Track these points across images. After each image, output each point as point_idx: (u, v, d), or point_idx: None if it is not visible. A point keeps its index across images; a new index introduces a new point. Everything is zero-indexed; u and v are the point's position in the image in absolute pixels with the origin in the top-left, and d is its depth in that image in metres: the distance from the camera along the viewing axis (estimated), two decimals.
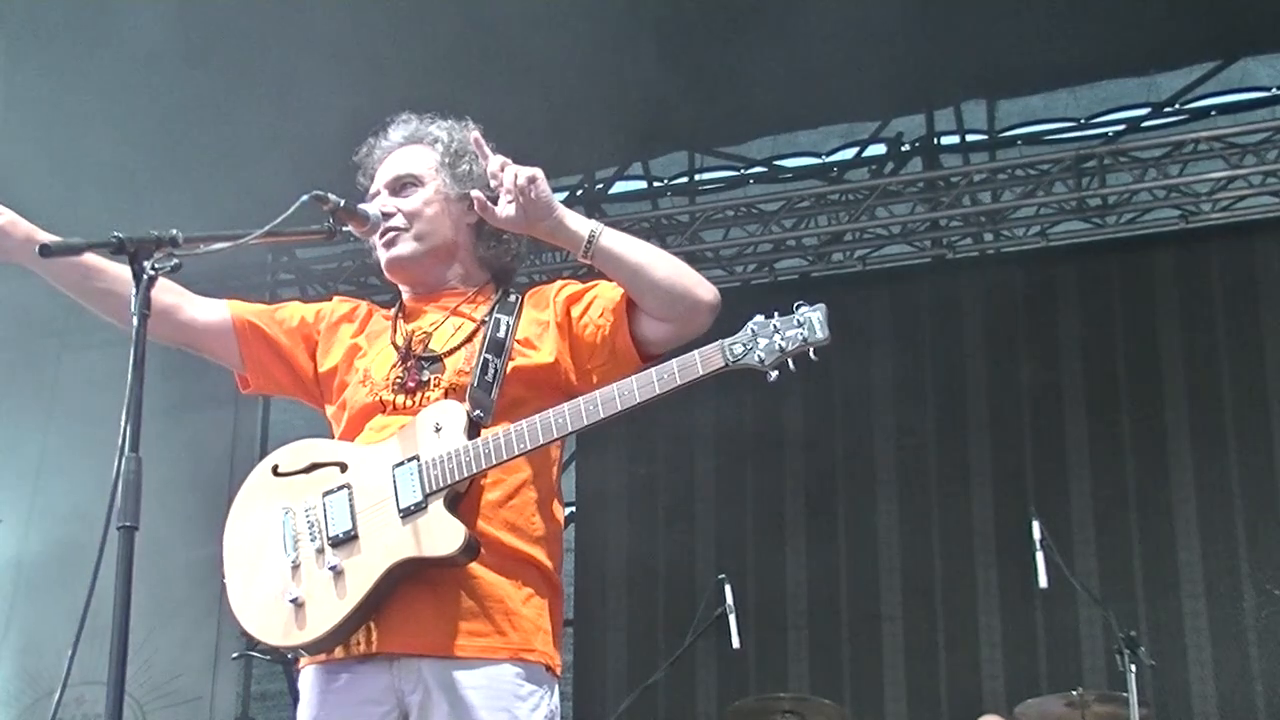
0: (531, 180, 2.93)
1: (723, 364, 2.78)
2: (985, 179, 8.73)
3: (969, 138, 8.97)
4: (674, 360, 2.81)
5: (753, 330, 2.79)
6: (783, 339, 2.76)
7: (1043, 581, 6.12)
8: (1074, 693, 6.27)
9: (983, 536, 8.16)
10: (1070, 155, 8.46)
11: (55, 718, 2.75)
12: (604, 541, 8.92)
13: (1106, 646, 7.06)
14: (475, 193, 3.03)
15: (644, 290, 2.98)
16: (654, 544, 8.81)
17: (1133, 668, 5.88)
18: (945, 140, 8.95)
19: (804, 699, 6.84)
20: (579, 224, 2.99)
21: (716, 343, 2.80)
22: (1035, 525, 6.17)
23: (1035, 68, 8.12)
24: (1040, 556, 6.11)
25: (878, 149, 9.09)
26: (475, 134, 3.09)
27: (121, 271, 3.09)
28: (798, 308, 2.79)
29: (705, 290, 2.99)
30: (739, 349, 2.78)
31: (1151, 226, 8.50)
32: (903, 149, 8.97)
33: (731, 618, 6.52)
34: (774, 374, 2.77)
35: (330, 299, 3.42)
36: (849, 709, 7.21)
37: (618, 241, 2.98)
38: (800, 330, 2.76)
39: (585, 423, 2.83)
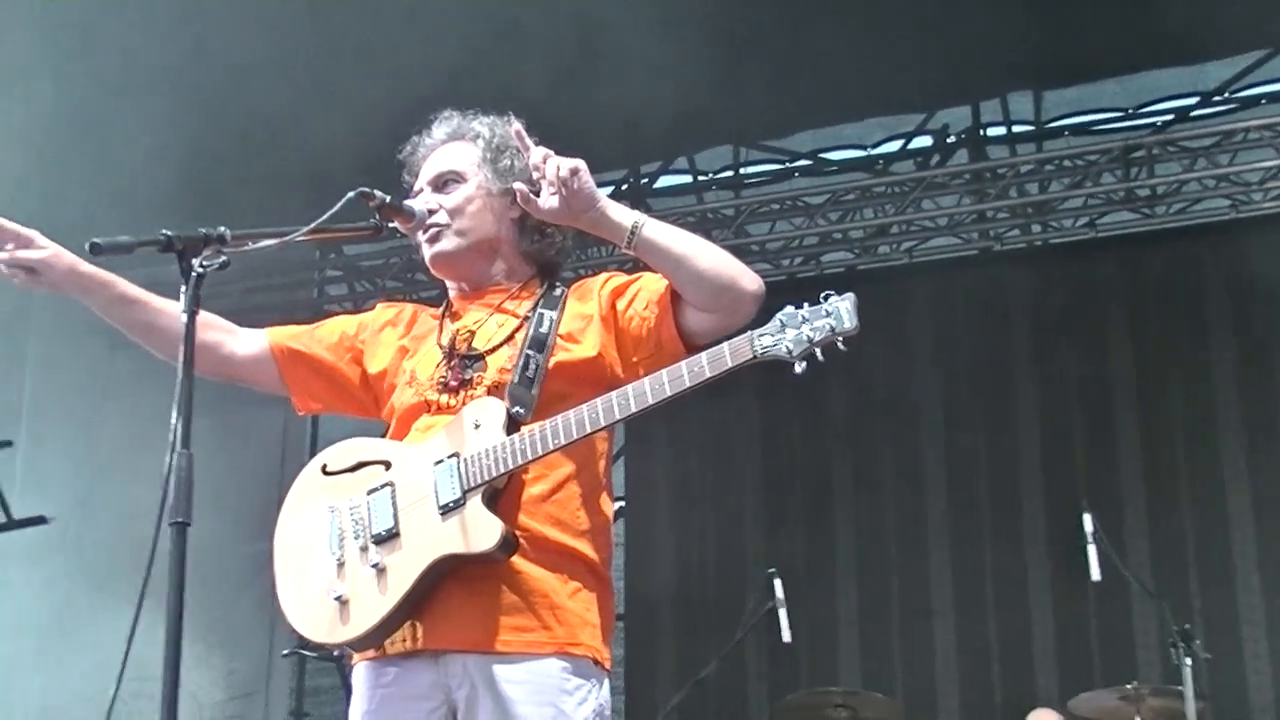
0: (574, 172, 2.92)
1: (751, 355, 2.75)
2: (1032, 170, 8.67)
3: (1015, 129, 8.89)
4: (703, 353, 2.79)
5: (781, 321, 2.76)
6: (811, 329, 2.73)
7: (1095, 575, 6.09)
8: (1128, 686, 6.23)
9: (1033, 530, 8.11)
10: (1118, 145, 8.38)
11: (112, 712, 2.78)
12: (653, 536, 8.92)
13: (1161, 640, 7.01)
14: (518, 185, 3.03)
15: (688, 281, 2.96)
16: (704, 538, 8.81)
17: (1188, 661, 5.84)
18: (991, 132, 8.89)
19: (856, 693, 6.80)
20: (622, 215, 2.98)
21: (745, 334, 2.78)
22: (1087, 518, 6.13)
23: (1082, 57, 8.04)
24: (1092, 549, 6.09)
25: (923, 141, 9.03)
26: (517, 127, 3.07)
27: (167, 306, 3.14)
28: (826, 297, 2.76)
29: (749, 280, 2.96)
30: (767, 340, 2.75)
31: (1201, 217, 8.43)
32: (948, 141, 8.90)
33: (782, 612, 6.51)
34: (801, 365, 2.73)
35: (373, 307, 3.45)
36: (901, 703, 7.18)
37: (661, 232, 2.97)
38: (828, 320, 2.73)
39: (617, 417, 2.83)
